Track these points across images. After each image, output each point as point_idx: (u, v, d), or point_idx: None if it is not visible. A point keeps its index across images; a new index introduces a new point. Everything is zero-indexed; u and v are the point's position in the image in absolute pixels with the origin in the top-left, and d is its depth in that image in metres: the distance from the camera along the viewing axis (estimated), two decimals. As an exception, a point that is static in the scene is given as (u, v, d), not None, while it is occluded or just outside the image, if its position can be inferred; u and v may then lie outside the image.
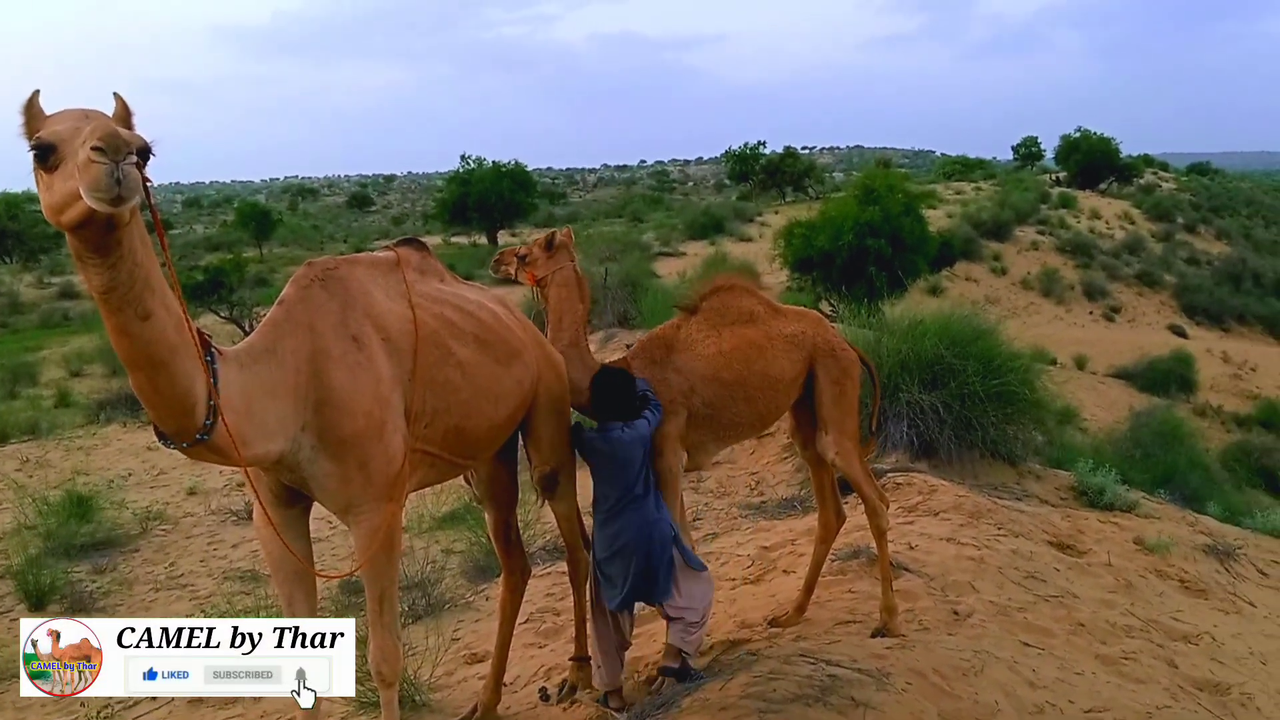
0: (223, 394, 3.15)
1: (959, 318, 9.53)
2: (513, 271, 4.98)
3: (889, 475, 7.67)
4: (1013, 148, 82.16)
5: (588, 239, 36.24)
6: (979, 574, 5.78)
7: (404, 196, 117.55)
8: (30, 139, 2.72)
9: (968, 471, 8.46)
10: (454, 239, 46.53)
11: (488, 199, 44.33)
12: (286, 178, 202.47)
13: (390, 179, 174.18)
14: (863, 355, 5.20)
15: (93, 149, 2.55)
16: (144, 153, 2.68)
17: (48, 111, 2.79)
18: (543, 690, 5.04)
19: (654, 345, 4.88)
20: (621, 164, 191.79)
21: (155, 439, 3.19)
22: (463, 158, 46.94)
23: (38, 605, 7.85)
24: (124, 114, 2.87)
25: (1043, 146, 77.45)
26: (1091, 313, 35.00)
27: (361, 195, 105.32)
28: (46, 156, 2.68)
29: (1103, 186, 58.56)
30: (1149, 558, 7.01)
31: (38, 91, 2.80)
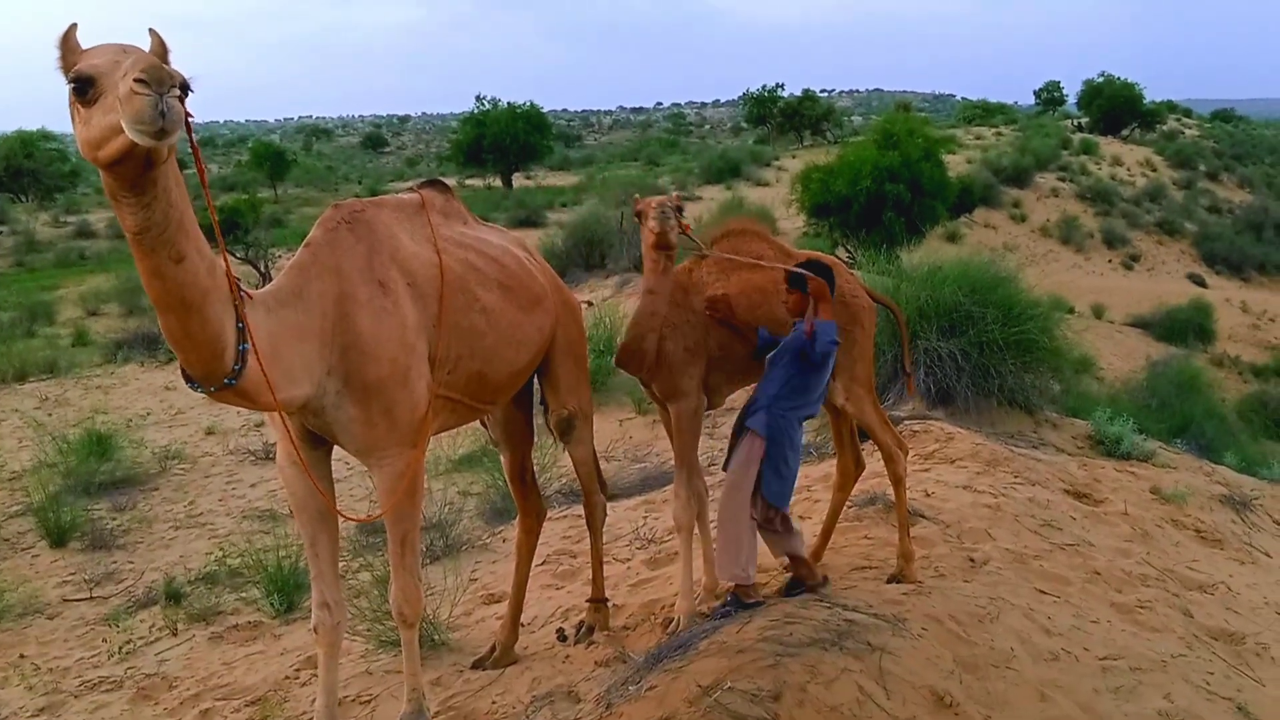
0: (252, 338, 3.13)
1: (978, 265, 9.45)
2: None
3: (906, 423, 7.65)
4: (1035, 92, 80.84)
5: (603, 183, 36.05)
6: (995, 521, 5.78)
7: (418, 138, 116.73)
8: (68, 73, 2.66)
9: (985, 420, 8.44)
10: (469, 181, 46.25)
11: (503, 141, 44.00)
12: (300, 118, 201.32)
13: (405, 120, 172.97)
14: (884, 299, 5.16)
15: (136, 80, 2.49)
16: (184, 88, 2.62)
17: (84, 46, 2.73)
18: (560, 631, 5.10)
19: (673, 289, 4.83)
20: (637, 106, 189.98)
21: (181, 380, 3.18)
22: (478, 99, 46.56)
23: (59, 542, 7.95)
24: (160, 50, 2.81)
25: (1065, 91, 76.28)
26: (1111, 261, 34.70)
27: (376, 136, 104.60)
28: (85, 90, 2.62)
29: (1125, 133, 57.71)
30: (1165, 507, 7.00)
31: (75, 25, 2.74)
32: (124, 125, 2.51)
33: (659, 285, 4.65)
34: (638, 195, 4.98)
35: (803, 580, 4.72)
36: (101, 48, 2.70)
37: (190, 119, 2.68)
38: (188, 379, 3.12)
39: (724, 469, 4.83)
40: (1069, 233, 35.31)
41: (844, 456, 5.28)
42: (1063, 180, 41.46)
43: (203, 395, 3.19)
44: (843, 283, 4.98)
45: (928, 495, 6.16)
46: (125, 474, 9.53)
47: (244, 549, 7.09)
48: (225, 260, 3.09)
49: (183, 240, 2.84)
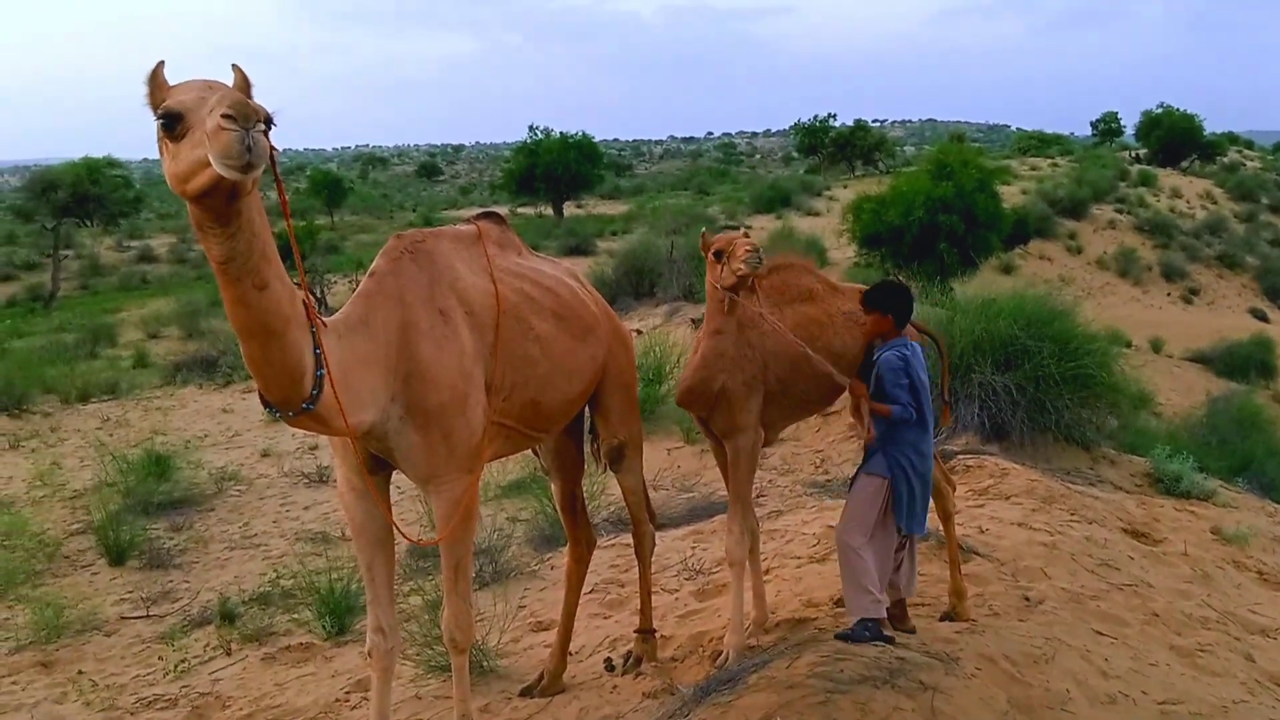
0: (328, 365, 3.20)
1: (1034, 297, 9.35)
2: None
3: (959, 457, 7.57)
4: (1091, 123, 79.97)
5: (653, 211, 36.22)
6: (1051, 560, 5.69)
7: (472, 166, 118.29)
8: (155, 109, 2.75)
9: (1040, 455, 8.32)
10: (521, 209, 46.72)
11: (554, 170, 44.40)
12: (357, 146, 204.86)
13: (459, 149, 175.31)
14: (926, 328, 5.12)
15: (223, 116, 2.57)
16: (268, 122, 2.70)
17: (170, 82, 2.81)
18: (608, 660, 5.08)
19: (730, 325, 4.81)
20: (688, 136, 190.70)
21: (241, 404, 3.25)
22: (530, 128, 47.09)
23: (118, 561, 8.11)
24: (244, 85, 2.90)
25: (1123, 122, 75.28)
26: (1169, 294, 34.05)
27: (430, 165, 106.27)
28: (173, 125, 2.70)
29: (1184, 165, 56.69)
30: (1226, 548, 6.84)
31: (162, 63, 2.82)
32: (211, 160, 2.59)
33: (726, 326, 4.67)
34: (707, 230, 4.88)
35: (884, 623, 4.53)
36: (188, 84, 2.79)
37: (275, 151, 2.77)
38: (266, 404, 3.19)
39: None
40: (1127, 265, 34.73)
41: None
42: (1120, 212, 40.82)
43: (278, 419, 3.26)
44: None
45: (982, 532, 6.08)
46: (183, 494, 9.70)
47: (297, 570, 7.18)
48: (305, 288, 3.16)
49: (266, 268, 2.91)
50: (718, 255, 4.62)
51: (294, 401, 3.14)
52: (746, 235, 4.69)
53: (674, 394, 4.84)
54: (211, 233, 2.81)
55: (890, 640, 4.33)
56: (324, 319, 3.35)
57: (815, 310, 4.88)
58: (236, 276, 2.87)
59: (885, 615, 4.49)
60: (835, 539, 4.62)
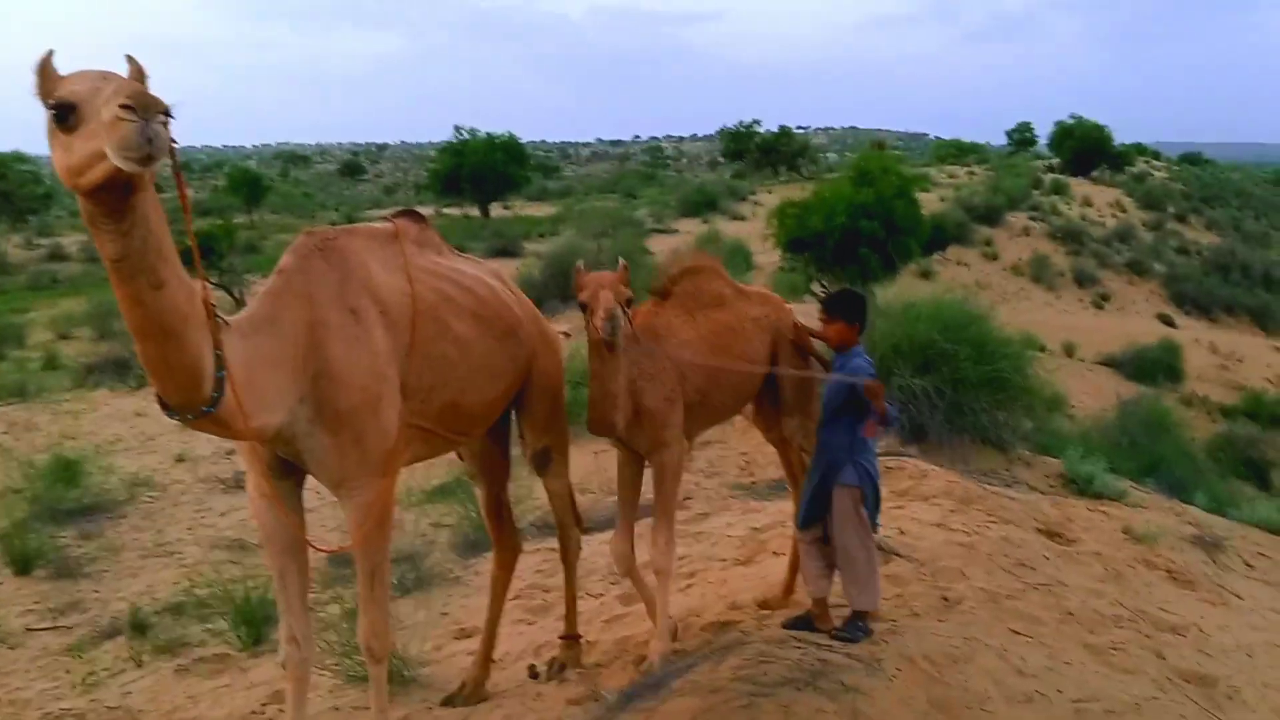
0: (229, 365, 3.10)
1: (952, 302, 9.54)
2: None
3: (880, 459, 7.66)
4: (1007, 133, 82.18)
5: (580, 214, 36.13)
6: (969, 560, 5.79)
7: (396, 166, 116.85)
8: (46, 99, 2.65)
9: (958, 457, 8.48)
10: (446, 210, 46.26)
11: (481, 171, 44.01)
12: (279, 144, 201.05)
13: (383, 148, 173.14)
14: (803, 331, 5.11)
15: (121, 106, 2.48)
16: (168, 114, 2.60)
17: (61, 73, 2.71)
18: (532, 668, 5.04)
19: (643, 334, 4.69)
20: (615, 139, 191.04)
21: (154, 406, 3.14)
22: (456, 128, 46.58)
23: (24, 570, 7.81)
24: (139, 75, 2.80)
25: (1037, 133, 77.52)
26: (1081, 300, 35.03)
27: (354, 164, 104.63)
28: (66, 116, 2.60)
29: (1095, 174, 58.56)
30: (1137, 547, 7.03)
31: (52, 51, 2.72)
32: (109, 151, 2.49)
33: (607, 369, 4.42)
34: (581, 266, 4.52)
35: (814, 620, 4.75)
36: (81, 74, 2.69)
37: (174, 145, 2.66)
38: (164, 406, 3.08)
39: (801, 526, 4.87)
40: (1040, 271, 35.65)
41: (799, 491, 5.27)
42: (1034, 220, 41.91)
43: (178, 423, 3.15)
44: (793, 318, 5.08)
45: (902, 533, 6.16)
46: (93, 501, 9.37)
47: (212, 579, 6.97)
48: (204, 286, 3.06)
49: (162, 267, 2.81)
50: (581, 301, 4.34)
51: (194, 404, 3.03)
52: (622, 271, 4.40)
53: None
54: (105, 229, 2.70)
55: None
56: (227, 319, 3.25)
57: (727, 316, 4.88)
58: (131, 275, 2.76)
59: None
60: (838, 546, 4.65)
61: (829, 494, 4.68)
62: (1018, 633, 4.94)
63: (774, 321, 5.02)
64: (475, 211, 45.83)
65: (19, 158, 41.00)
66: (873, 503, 4.71)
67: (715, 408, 4.91)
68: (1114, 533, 7.21)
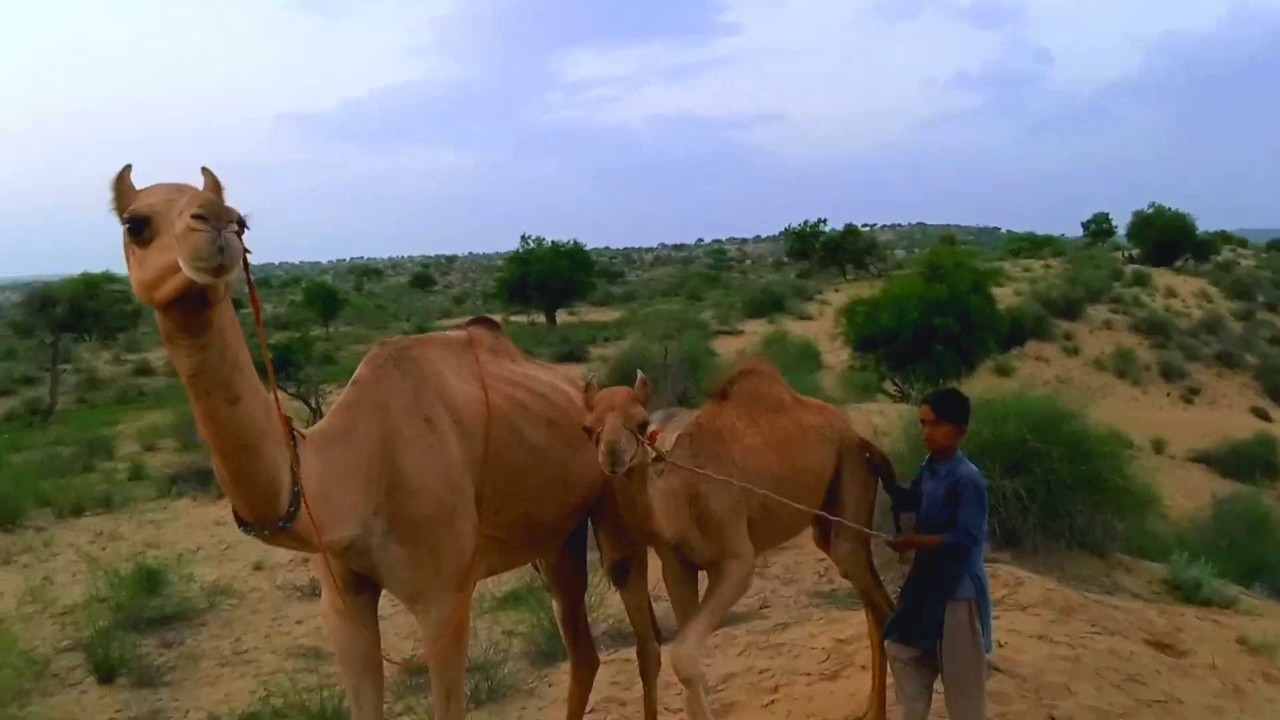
0: (303, 480, 3.03)
1: (1039, 398, 9.22)
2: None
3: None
4: (1083, 224, 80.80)
5: (645, 318, 36.41)
6: (1075, 675, 5.44)
7: (465, 276, 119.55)
8: (122, 213, 2.63)
9: (1054, 563, 8.08)
10: (513, 317, 47.02)
11: (547, 278, 44.76)
12: (352, 259, 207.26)
13: (452, 259, 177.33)
14: (871, 445, 4.90)
15: (194, 216, 2.44)
16: (241, 223, 2.57)
17: (137, 187, 2.72)
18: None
19: (706, 437, 4.47)
20: (678, 243, 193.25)
21: (235, 523, 3.07)
22: (523, 238, 47.56)
23: (106, 679, 7.83)
24: (214, 187, 2.80)
25: (1114, 223, 76.19)
26: (1169, 394, 34.00)
27: (424, 275, 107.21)
28: (141, 230, 2.58)
29: (1178, 264, 57.24)
30: (1255, 659, 6.57)
31: (129, 166, 2.73)
32: (181, 263, 2.45)
33: (628, 488, 3.93)
34: (592, 382, 4.07)
35: None
36: (156, 187, 2.69)
37: (248, 254, 2.63)
38: (240, 522, 3.01)
39: (898, 641, 4.42)
40: (1124, 365, 34.77)
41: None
42: (1116, 312, 41.11)
43: (253, 537, 3.08)
44: (854, 430, 4.86)
45: (1000, 645, 5.82)
46: (174, 609, 9.41)
47: (288, 688, 6.89)
48: (277, 400, 3.02)
49: (238, 380, 2.77)
50: (588, 431, 3.84)
51: (270, 520, 2.97)
52: (640, 387, 3.98)
53: None
54: (181, 344, 2.66)
55: None
56: (303, 431, 3.20)
57: (788, 422, 4.65)
58: (207, 390, 2.72)
59: None
60: (948, 665, 4.26)
61: (934, 609, 4.28)
62: (1134, 755, 4.59)
63: (838, 431, 4.79)
64: (541, 318, 46.48)
65: (109, 278, 42.77)
66: (986, 617, 4.31)
67: (780, 521, 4.58)
68: (1228, 643, 6.76)
